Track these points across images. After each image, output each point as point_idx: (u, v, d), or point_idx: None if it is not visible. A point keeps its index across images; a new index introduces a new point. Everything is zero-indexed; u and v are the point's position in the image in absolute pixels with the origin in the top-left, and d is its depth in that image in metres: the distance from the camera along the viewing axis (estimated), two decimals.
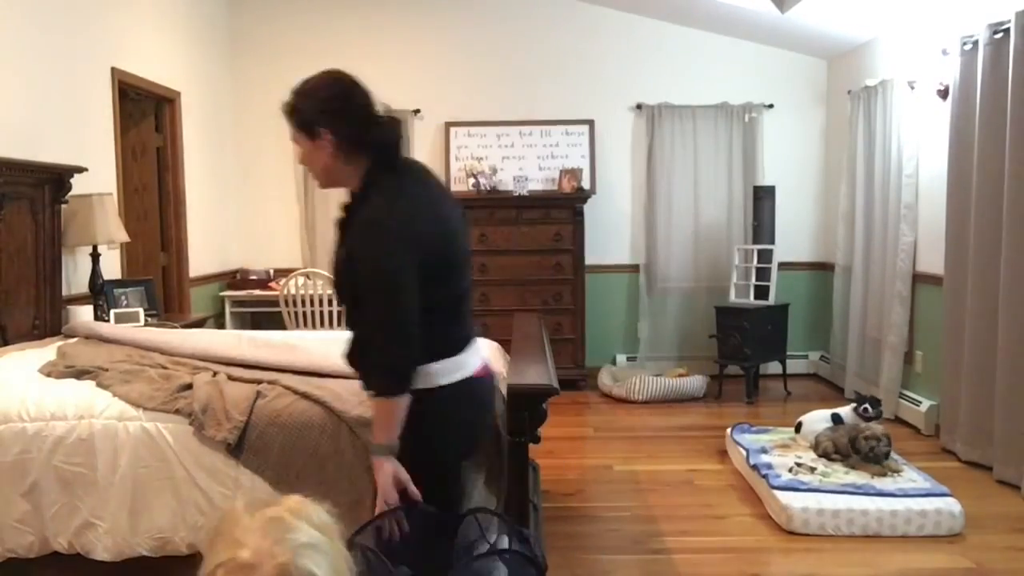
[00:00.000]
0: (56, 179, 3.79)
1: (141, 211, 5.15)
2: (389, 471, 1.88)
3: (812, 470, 3.62)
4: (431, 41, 6.29)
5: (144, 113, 5.14)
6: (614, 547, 3.22)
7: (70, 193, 3.86)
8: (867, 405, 3.90)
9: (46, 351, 3.10)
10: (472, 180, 6.01)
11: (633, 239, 6.37)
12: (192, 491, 2.37)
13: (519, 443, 2.31)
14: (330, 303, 5.31)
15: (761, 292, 5.72)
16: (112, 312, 3.97)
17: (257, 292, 5.97)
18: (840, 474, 3.58)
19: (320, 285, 5.31)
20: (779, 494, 3.40)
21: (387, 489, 1.88)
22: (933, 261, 4.64)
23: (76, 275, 4.14)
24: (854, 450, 3.68)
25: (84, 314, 3.81)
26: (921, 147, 4.83)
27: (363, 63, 6.84)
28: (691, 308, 6.29)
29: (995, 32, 3.91)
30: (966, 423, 4.14)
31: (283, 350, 2.95)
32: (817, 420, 4.03)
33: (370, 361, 1.93)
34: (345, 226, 1.98)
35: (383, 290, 1.86)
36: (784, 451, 3.93)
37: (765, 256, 5.75)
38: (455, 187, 6.19)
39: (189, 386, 2.51)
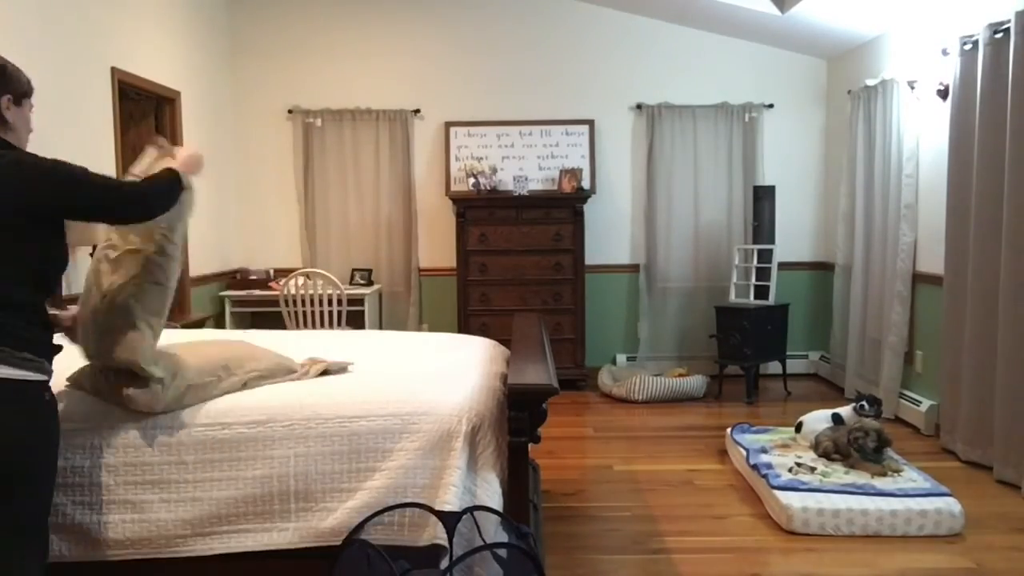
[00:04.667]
0: None
1: None
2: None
3: (812, 470, 3.62)
4: (431, 41, 6.29)
5: (144, 113, 5.14)
6: (614, 547, 3.22)
7: None
8: (864, 403, 3.90)
9: None
10: (472, 180, 6.01)
11: (633, 239, 6.37)
12: None
13: (519, 443, 2.31)
14: (330, 303, 5.31)
15: (761, 292, 5.72)
16: None
17: (257, 292, 5.98)
18: (840, 474, 3.58)
19: (320, 285, 5.32)
20: (779, 494, 3.40)
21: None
22: (933, 261, 4.64)
23: (76, 275, 4.13)
24: (846, 444, 3.70)
25: None
26: (921, 147, 4.83)
27: (363, 63, 6.91)
28: (691, 308, 6.29)
29: (995, 32, 3.92)
30: (966, 423, 4.14)
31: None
32: (818, 420, 4.03)
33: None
34: None
35: (90, 181, 1.97)
36: (784, 451, 3.93)
37: (765, 256, 5.76)
38: (455, 187, 6.20)
39: None
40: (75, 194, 1.94)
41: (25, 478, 1.91)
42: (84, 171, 1.97)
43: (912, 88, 4.86)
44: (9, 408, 1.86)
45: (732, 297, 5.86)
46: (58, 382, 2.43)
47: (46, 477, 2.00)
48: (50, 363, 1.99)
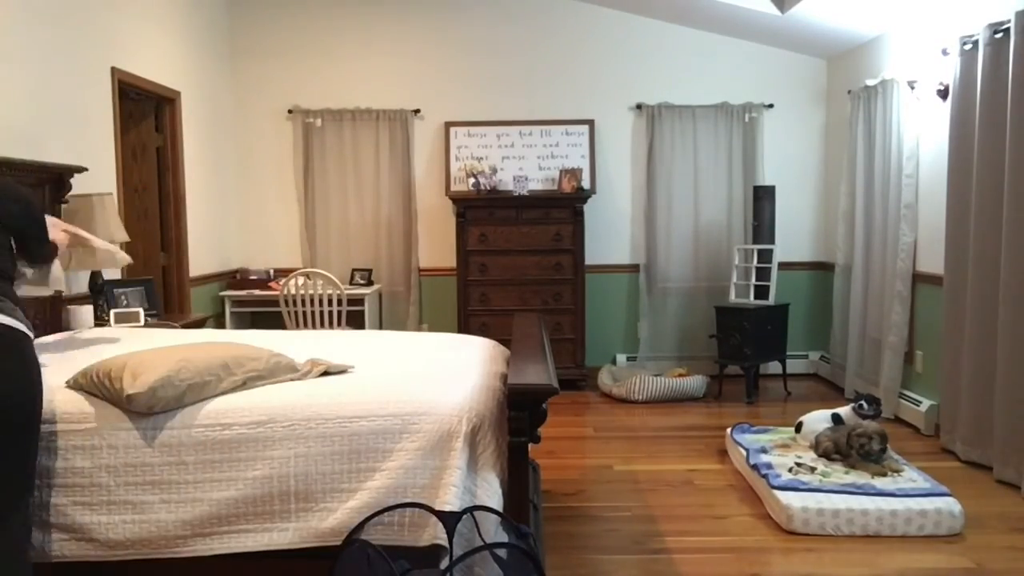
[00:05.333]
0: (56, 179, 3.79)
1: (141, 211, 5.16)
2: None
3: (812, 470, 3.62)
4: (431, 41, 6.29)
5: (144, 113, 5.14)
6: (614, 547, 3.22)
7: (70, 193, 3.86)
8: (863, 402, 3.90)
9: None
10: (472, 180, 6.01)
11: (633, 239, 6.37)
12: None
13: (519, 443, 2.31)
14: (330, 303, 5.31)
15: (761, 292, 5.72)
16: (112, 312, 3.97)
17: (257, 292, 5.98)
18: (840, 474, 3.58)
19: (320, 285, 5.31)
20: (779, 494, 3.40)
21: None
22: (933, 261, 4.64)
23: (76, 275, 4.13)
24: (847, 447, 3.69)
25: (84, 314, 3.81)
26: (921, 147, 4.83)
27: (362, 63, 6.91)
28: (691, 308, 6.29)
29: (995, 32, 3.92)
30: (966, 423, 4.14)
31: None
32: (817, 420, 4.03)
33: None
34: None
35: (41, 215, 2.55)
36: (784, 451, 3.93)
37: (765, 256, 5.76)
38: (455, 187, 6.20)
39: None
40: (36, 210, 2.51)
41: (28, 425, 2.10)
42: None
43: (912, 88, 4.86)
44: (15, 356, 2.09)
45: (732, 297, 5.86)
46: (57, 383, 2.44)
47: (37, 431, 2.16)
48: None
